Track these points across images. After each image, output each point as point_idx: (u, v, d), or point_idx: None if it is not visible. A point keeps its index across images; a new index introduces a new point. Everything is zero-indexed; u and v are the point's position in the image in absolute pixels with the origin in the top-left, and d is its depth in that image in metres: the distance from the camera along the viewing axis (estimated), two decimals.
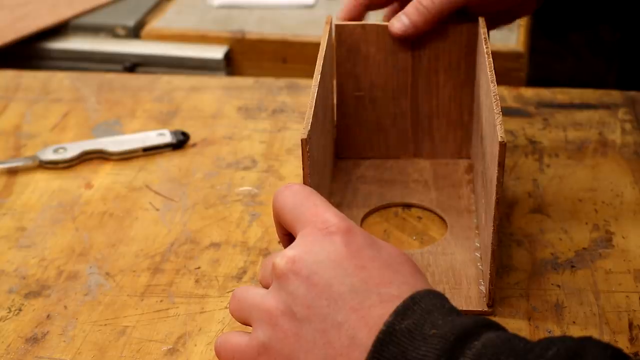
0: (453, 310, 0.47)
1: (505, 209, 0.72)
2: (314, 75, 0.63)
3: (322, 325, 0.48)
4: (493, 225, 0.58)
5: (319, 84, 0.62)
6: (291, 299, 0.49)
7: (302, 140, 0.56)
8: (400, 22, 0.71)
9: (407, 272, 0.50)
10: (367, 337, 0.46)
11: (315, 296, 0.48)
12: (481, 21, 0.70)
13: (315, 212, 0.52)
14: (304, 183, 0.57)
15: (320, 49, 0.66)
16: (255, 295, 0.51)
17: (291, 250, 0.50)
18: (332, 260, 0.49)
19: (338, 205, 0.72)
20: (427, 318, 0.46)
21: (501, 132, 0.55)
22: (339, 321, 0.47)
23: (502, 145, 0.55)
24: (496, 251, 0.59)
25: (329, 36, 0.69)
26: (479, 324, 0.46)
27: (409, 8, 0.71)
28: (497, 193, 0.56)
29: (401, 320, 0.46)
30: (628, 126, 0.83)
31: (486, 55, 0.65)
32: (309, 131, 0.56)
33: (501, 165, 0.56)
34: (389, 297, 0.47)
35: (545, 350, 0.43)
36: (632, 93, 0.88)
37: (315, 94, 0.60)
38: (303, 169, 0.57)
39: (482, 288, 0.62)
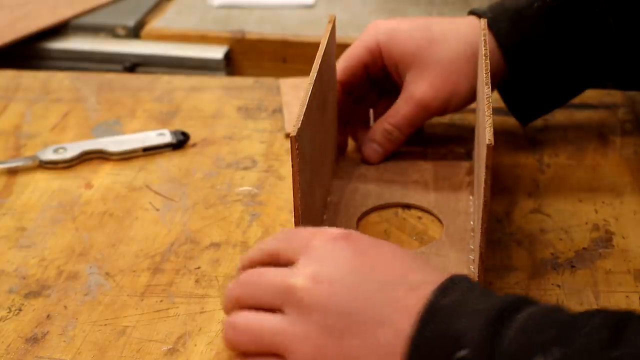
0: (490, 291, 0.49)
1: (506, 208, 0.72)
2: (311, 73, 0.62)
3: (363, 327, 0.48)
4: (481, 228, 0.58)
5: (316, 82, 0.62)
6: (323, 315, 0.48)
7: (291, 137, 0.56)
8: (375, 152, 0.77)
9: (419, 261, 0.51)
10: (409, 323, 0.46)
11: (347, 302, 0.48)
12: (482, 22, 0.70)
13: (308, 233, 0.53)
14: (293, 181, 0.57)
15: (320, 47, 0.66)
16: (271, 323, 0.50)
17: (304, 269, 0.50)
18: (348, 264, 0.50)
19: (336, 204, 0.72)
20: (468, 295, 0.47)
21: (489, 134, 0.55)
22: (378, 319, 0.47)
23: (489, 148, 0.55)
24: (484, 254, 0.59)
25: (330, 35, 0.69)
26: (520, 300, 0.46)
27: (379, 137, 0.76)
28: (485, 195, 0.56)
29: (442, 298, 0.47)
30: (628, 126, 0.83)
31: (483, 57, 0.65)
32: (299, 129, 0.56)
33: (488, 167, 0.55)
34: (417, 284, 0.48)
35: (588, 321, 0.44)
36: (632, 93, 0.88)
37: (310, 92, 0.60)
38: (292, 167, 0.57)
39: None
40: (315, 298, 0.49)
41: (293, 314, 0.49)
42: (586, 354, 0.42)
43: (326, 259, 0.50)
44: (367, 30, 0.76)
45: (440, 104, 0.74)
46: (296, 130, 0.56)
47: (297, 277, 0.50)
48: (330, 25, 0.70)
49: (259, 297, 0.52)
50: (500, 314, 0.45)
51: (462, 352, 0.44)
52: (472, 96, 0.75)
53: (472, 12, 0.76)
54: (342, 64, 0.76)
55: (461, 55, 0.73)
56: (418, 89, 0.73)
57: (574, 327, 0.44)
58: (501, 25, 0.72)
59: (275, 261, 0.54)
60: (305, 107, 0.58)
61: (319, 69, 0.63)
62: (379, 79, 0.78)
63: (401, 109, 0.75)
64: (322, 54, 0.65)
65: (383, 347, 0.47)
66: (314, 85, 0.61)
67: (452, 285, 0.48)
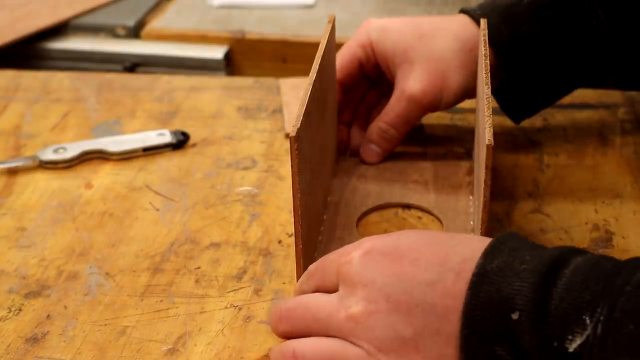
0: (538, 245, 0.49)
1: (505, 208, 0.72)
2: (310, 73, 0.62)
3: (430, 326, 0.48)
4: (481, 228, 0.58)
5: (316, 82, 0.62)
6: (390, 331, 0.49)
7: (290, 137, 0.56)
8: (374, 153, 0.77)
9: (451, 237, 0.52)
10: (462, 303, 0.47)
11: (407, 312, 0.49)
12: (482, 22, 0.70)
13: (334, 260, 0.54)
14: (293, 181, 0.57)
15: (319, 47, 0.66)
16: (344, 353, 0.51)
17: (352, 298, 0.51)
18: (389, 274, 0.50)
19: (335, 204, 0.72)
20: (516, 255, 0.47)
21: (489, 134, 0.55)
22: (439, 312, 0.48)
23: (489, 148, 0.54)
24: None
25: (329, 35, 0.69)
26: (565, 252, 0.47)
27: (376, 137, 0.76)
28: (484, 195, 0.56)
29: (491, 261, 0.47)
30: (628, 126, 0.83)
31: (483, 57, 0.65)
32: (299, 129, 0.56)
33: (488, 167, 0.55)
34: (461, 266, 0.48)
35: (631, 274, 0.44)
36: (632, 93, 0.88)
37: (309, 92, 0.60)
38: (292, 167, 0.57)
39: None
40: (371, 322, 0.50)
41: (357, 339, 0.50)
42: (631, 313, 0.43)
43: (365, 279, 0.51)
44: (360, 28, 0.77)
45: (432, 99, 0.73)
46: (295, 130, 0.56)
47: (350, 308, 0.50)
48: (330, 25, 0.70)
49: (315, 332, 0.53)
50: (547, 271, 0.46)
51: (515, 315, 0.45)
52: (464, 91, 0.74)
53: (462, 11, 0.76)
54: (337, 62, 0.76)
55: (451, 50, 0.73)
56: (408, 85, 0.73)
57: (618, 281, 0.44)
58: (491, 22, 0.72)
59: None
60: (304, 107, 0.58)
61: (319, 69, 0.63)
62: (374, 77, 0.78)
63: (394, 107, 0.75)
64: (321, 54, 0.65)
65: (447, 334, 0.48)
66: (313, 85, 0.61)
67: (499, 246, 0.48)
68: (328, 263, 0.54)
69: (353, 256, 0.52)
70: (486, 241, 0.50)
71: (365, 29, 0.76)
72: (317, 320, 0.52)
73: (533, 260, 0.47)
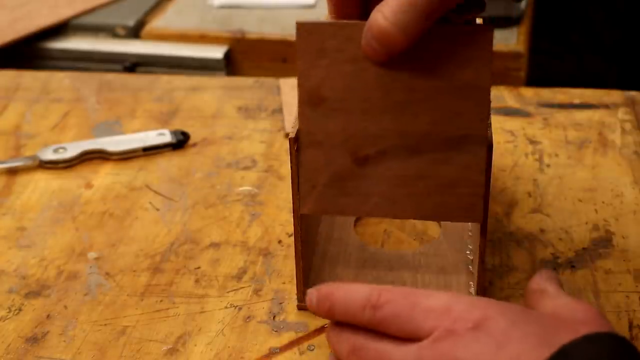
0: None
1: (505, 208, 0.72)
2: None
3: None
4: (481, 228, 0.58)
5: None
6: None
7: (289, 139, 0.56)
8: (375, 51, 0.53)
9: (557, 334, 0.46)
10: None
11: None
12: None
13: (438, 310, 0.47)
14: (292, 182, 0.57)
15: None
16: None
17: None
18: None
19: None
20: None
21: (489, 134, 0.55)
22: None
23: (489, 148, 0.54)
24: (484, 254, 0.58)
25: None
26: None
27: (376, 33, 0.52)
28: (484, 196, 0.56)
29: None
30: (628, 126, 0.83)
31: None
32: (298, 130, 0.56)
33: (489, 167, 0.55)
34: None
35: None
36: (632, 93, 0.88)
37: None
38: (291, 168, 0.57)
39: (472, 290, 0.62)
40: None
41: None
42: None
43: (463, 353, 0.45)
44: None
45: None
46: (295, 131, 0.56)
47: None
48: None
49: None
50: None
51: None
52: None
53: None
54: None
55: None
56: None
57: None
58: None
59: (385, 328, 0.48)
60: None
61: None
62: None
63: None
64: None
65: None
66: None
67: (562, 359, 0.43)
68: (433, 309, 0.48)
69: (456, 327, 0.46)
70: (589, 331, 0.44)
71: None
72: None
73: None
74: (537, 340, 0.45)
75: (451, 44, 0.52)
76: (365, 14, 0.53)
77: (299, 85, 0.54)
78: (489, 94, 0.53)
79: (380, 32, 0.51)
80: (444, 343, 0.46)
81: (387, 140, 0.54)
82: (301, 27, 0.52)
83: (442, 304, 0.47)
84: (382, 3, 0.51)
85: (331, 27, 0.53)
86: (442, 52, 0.52)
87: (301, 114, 0.55)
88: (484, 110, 0.53)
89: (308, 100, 0.54)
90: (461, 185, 0.55)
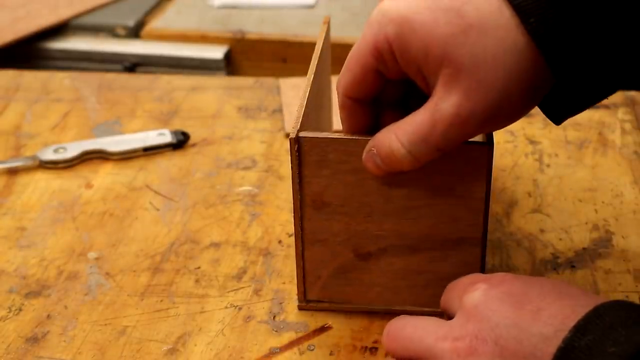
0: (638, 322, 0.45)
1: (506, 208, 0.72)
2: (307, 74, 0.62)
3: None
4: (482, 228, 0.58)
5: (314, 83, 0.62)
6: None
7: (290, 139, 0.56)
8: (375, 165, 0.55)
9: (579, 292, 0.49)
10: None
11: None
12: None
13: (465, 284, 0.52)
14: (293, 183, 0.57)
15: (315, 49, 0.66)
16: None
17: (463, 329, 0.49)
18: (507, 316, 0.48)
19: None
20: (610, 334, 0.44)
21: (489, 135, 0.55)
22: None
23: (490, 148, 0.55)
24: (484, 254, 0.58)
25: (325, 36, 0.69)
26: None
27: (384, 151, 0.54)
28: (484, 196, 0.56)
29: (581, 337, 0.44)
30: (628, 126, 0.83)
31: None
32: (298, 130, 0.56)
33: (489, 167, 0.55)
34: (560, 334, 0.46)
35: None
36: (632, 93, 0.88)
37: (307, 94, 0.60)
38: (292, 168, 0.57)
39: None
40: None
41: None
42: None
43: (482, 314, 0.48)
44: (370, 24, 0.53)
45: (482, 119, 0.50)
46: (295, 132, 0.56)
47: (457, 340, 0.48)
48: (326, 27, 0.70)
49: (419, 355, 0.51)
50: (635, 358, 0.42)
51: None
52: (525, 105, 0.52)
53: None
54: (347, 77, 0.54)
55: (509, 48, 0.49)
56: (450, 100, 0.49)
57: None
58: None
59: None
60: (303, 109, 0.58)
61: (316, 70, 0.63)
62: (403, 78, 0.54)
63: (419, 124, 0.51)
64: (318, 54, 0.65)
65: None
66: (311, 86, 0.61)
67: (595, 319, 0.45)
68: (459, 286, 0.53)
69: (479, 287, 0.50)
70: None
71: (378, 22, 0.52)
72: (422, 343, 0.50)
73: (624, 343, 0.43)
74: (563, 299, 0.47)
75: (450, 158, 0.54)
76: (374, 125, 0.56)
77: (303, 189, 0.57)
78: (485, 203, 0.56)
79: (391, 155, 0.53)
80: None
81: (388, 239, 0.58)
82: (306, 141, 0.56)
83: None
84: (397, 125, 0.53)
85: (333, 142, 0.56)
86: (441, 165, 0.55)
87: (305, 215, 0.58)
88: (479, 217, 0.57)
89: (312, 204, 0.58)
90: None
